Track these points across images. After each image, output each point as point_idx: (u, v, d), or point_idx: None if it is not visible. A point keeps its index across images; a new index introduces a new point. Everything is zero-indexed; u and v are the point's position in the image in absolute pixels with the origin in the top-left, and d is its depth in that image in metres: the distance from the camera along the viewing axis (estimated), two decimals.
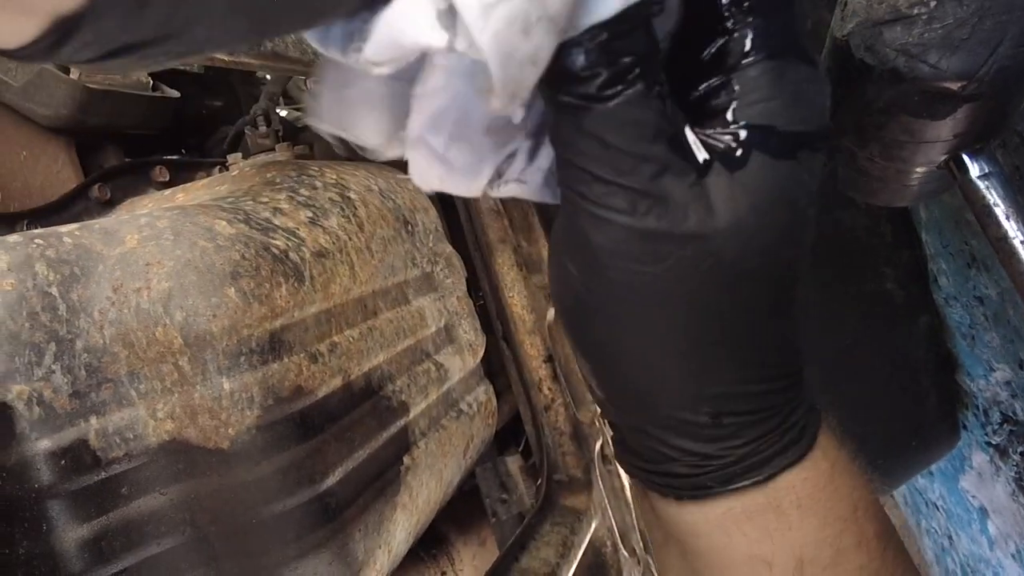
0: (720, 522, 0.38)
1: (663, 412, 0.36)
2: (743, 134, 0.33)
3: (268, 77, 1.41)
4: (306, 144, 1.25)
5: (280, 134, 1.14)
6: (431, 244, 0.98)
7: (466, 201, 1.21)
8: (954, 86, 0.51)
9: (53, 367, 0.52)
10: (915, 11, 0.51)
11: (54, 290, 0.54)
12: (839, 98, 0.59)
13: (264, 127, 1.02)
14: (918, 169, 0.59)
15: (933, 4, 0.50)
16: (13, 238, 0.55)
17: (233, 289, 0.59)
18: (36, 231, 0.58)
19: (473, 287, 1.14)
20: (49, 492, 0.50)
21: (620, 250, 0.33)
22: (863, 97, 0.55)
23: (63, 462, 0.51)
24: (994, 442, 0.94)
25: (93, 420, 0.53)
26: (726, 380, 0.36)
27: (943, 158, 0.57)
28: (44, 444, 0.51)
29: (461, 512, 0.94)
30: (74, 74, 0.94)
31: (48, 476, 0.51)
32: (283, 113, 1.74)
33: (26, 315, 0.52)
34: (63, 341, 0.53)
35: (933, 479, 1.17)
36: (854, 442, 0.82)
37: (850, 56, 0.54)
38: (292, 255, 0.67)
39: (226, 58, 0.76)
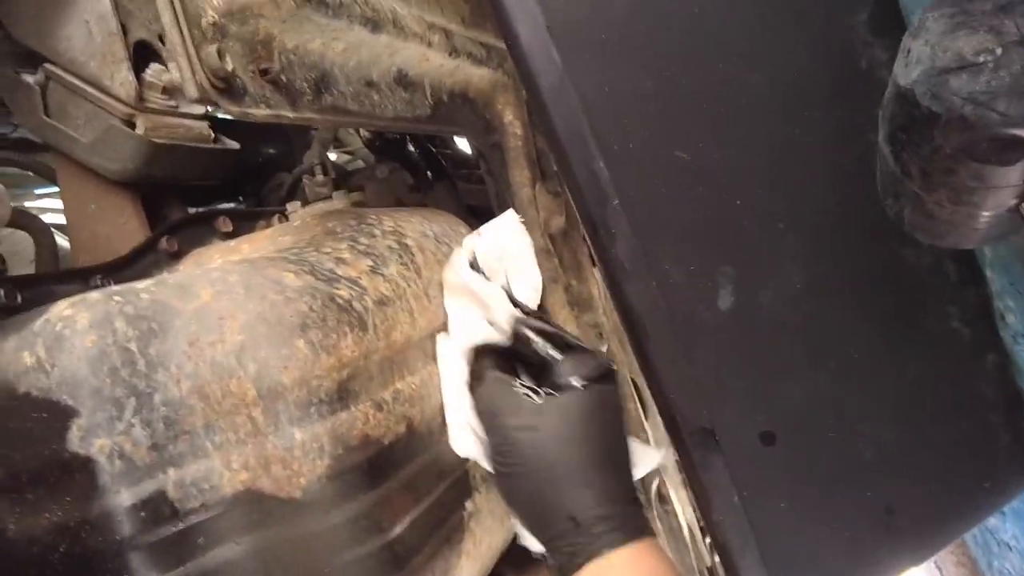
0: None
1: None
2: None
3: (319, 125, 1.45)
4: (358, 189, 1.28)
5: (334, 180, 1.17)
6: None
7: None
8: (1023, 132, 0.50)
9: (133, 421, 0.54)
10: (981, 59, 0.51)
11: (133, 345, 0.55)
12: (904, 144, 0.59)
13: (321, 176, 1.04)
14: (987, 213, 0.58)
15: (999, 52, 0.50)
16: (94, 296, 0.57)
17: (302, 340, 0.61)
18: (114, 288, 0.60)
19: None
20: (130, 544, 0.52)
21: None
22: (930, 144, 0.55)
23: (143, 514, 0.52)
24: None
25: (171, 472, 0.54)
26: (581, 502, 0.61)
27: (1014, 202, 0.56)
28: (125, 497, 0.52)
29: (517, 553, 0.94)
30: (140, 129, 0.98)
31: (129, 528, 0.52)
32: (333, 157, 1.78)
33: (107, 371, 0.54)
34: (142, 395, 0.54)
35: (1005, 519, 1.13)
36: (924, 483, 0.81)
37: (916, 104, 0.54)
38: (356, 304, 0.68)
39: (290, 114, 0.78)
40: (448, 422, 0.69)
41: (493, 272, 0.77)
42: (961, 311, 0.88)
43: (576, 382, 0.64)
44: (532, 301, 0.78)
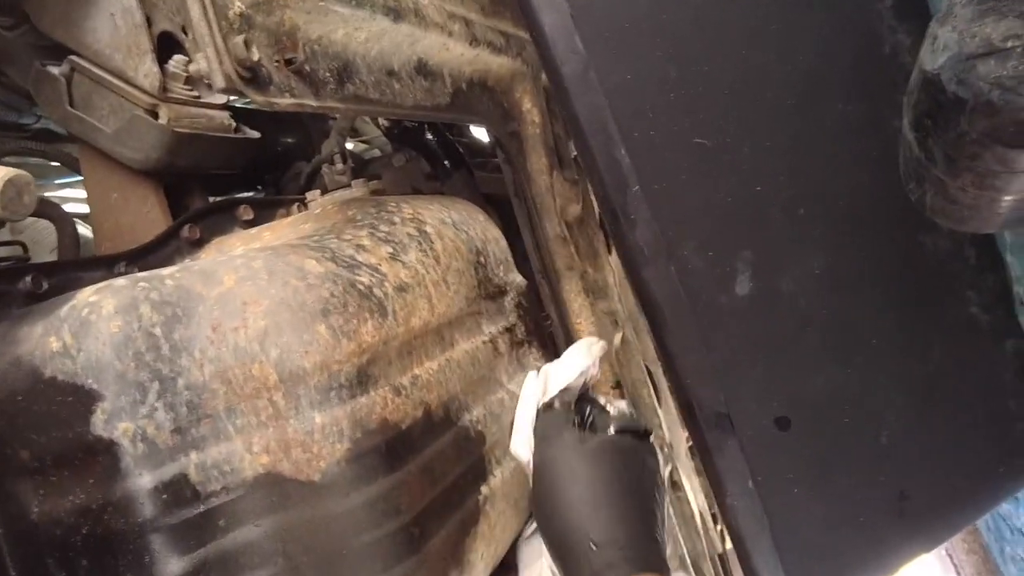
0: None
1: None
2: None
3: (338, 114, 1.45)
4: (375, 176, 1.28)
5: (353, 168, 1.17)
6: (502, 274, 0.99)
7: (533, 229, 1.22)
8: None
9: (156, 404, 0.54)
10: (1009, 44, 0.51)
11: (158, 330, 0.56)
12: (929, 129, 0.58)
13: (340, 164, 1.05)
14: (1010, 197, 0.58)
15: None
16: (119, 282, 0.58)
17: (324, 326, 0.61)
18: (140, 274, 0.61)
19: (541, 315, 1.15)
20: (152, 525, 0.53)
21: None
22: (956, 129, 0.55)
23: (165, 496, 0.53)
24: None
25: (193, 455, 0.55)
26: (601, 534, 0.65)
27: None
28: (147, 479, 0.53)
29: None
30: (163, 119, 0.99)
31: (151, 510, 0.53)
32: (351, 146, 1.79)
33: (132, 355, 0.55)
34: (166, 379, 0.55)
35: (1019, 505, 1.12)
36: (938, 469, 0.80)
37: (942, 89, 0.54)
38: (376, 291, 0.69)
39: (314, 103, 0.78)
40: (514, 429, 0.76)
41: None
42: (980, 297, 0.87)
43: (613, 430, 0.73)
44: None
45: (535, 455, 0.73)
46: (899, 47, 0.86)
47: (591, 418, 0.75)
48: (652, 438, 0.77)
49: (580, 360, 0.79)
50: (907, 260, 0.85)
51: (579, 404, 0.78)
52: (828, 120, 0.84)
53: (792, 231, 0.81)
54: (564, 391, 0.78)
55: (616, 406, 0.77)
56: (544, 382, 0.78)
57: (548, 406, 0.76)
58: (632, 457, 0.72)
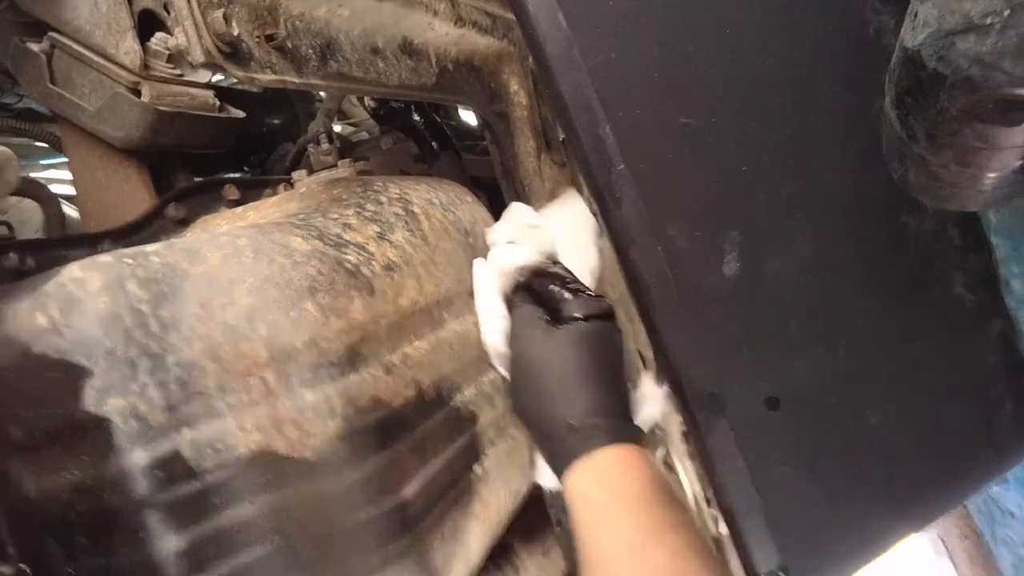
0: (572, 485, 0.69)
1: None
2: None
3: (324, 94, 1.45)
4: (363, 158, 1.28)
5: (339, 149, 1.17)
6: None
7: None
8: None
9: (147, 381, 0.54)
10: (988, 20, 0.51)
11: (145, 307, 0.56)
12: (909, 106, 0.59)
13: (326, 144, 1.04)
14: (992, 175, 0.59)
15: (1007, 13, 0.50)
16: (104, 258, 0.58)
17: (311, 303, 0.61)
18: (125, 251, 0.60)
19: None
20: (147, 502, 0.52)
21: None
22: (936, 105, 0.55)
23: (158, 473, 0.53)
24: None
25: (186, 432, 0.55)
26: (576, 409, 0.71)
27: (1018, 163, 0.57)
28: (140, 456, 0.53)
29: (525, 521, 0.95)
30: (145, 97, 0.98)
31: (145, 487, 0.52)
32: (338, 128, 1.78)
33: (120, 332, 0.54)
34: (155, 356, 0.55)
35: (1008, 487, 1.14)
36: (927, 449, 0.81)
37: (922, 66, 0.54)
38: (364, 269, 0.69)
39: (296, 80, 0.78)
40: (482, 330, 0.84)
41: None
42: (966, 277, 0.89)
43: (580, 315, 0.77)
44: (583, 278, 0.88)
45: (511, 351, 0.79)
46: (883, 28, 0.86)
47: (559, 307, 0.79)
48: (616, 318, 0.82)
49: (518, 246, 0.85)
50: (892, 241, 0.86)
51: (543, 292, 0.82)
52: (813, 101, 0.84)
53: (778, 212, 0.81)
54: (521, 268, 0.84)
55: (578, 290, 0.81)
56: (496, 271, 0.84)
57: (512, 303, 0.83)
58: (600, 340, 0.77)
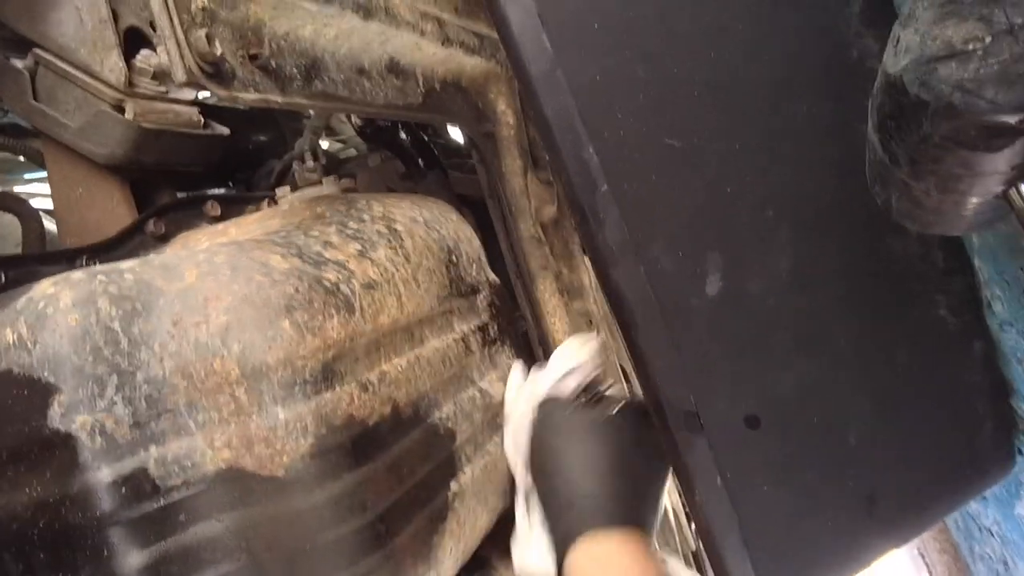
0: (574, 563, 0.68)
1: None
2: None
3: (311, 112, 1.45)
4: (349, 176, 1.27)
5: (324, 166, 1.17)
6: (474, 273, 0.99)
7: (507, 230, 1.22)
8: (1012, 119, 0.50)
9: (115, 398, 0.54)
10: (970, 47, 0.51)
11: (116, 324, 0.55)
12: (892, 132, 0.59)
13: (311, 161, 1.04)
14: (974, 200, 0.59)
15: (988, 40, 0.50)
16: (77, 275, 0.57)
17: (288, 322, 0.61)
18: (99, 267, 0.60)
19: (515, 314, 1.15)
20: (110, 519, 0.52)
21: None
22: (919, 131, 0.55)
23: (124, 490, 0.52)
24: None
25: (153, 449, 0.54)
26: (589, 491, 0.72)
27: (1000, 189, 0.57)
28: (105, 473, 0.52)
29: (502, 535, 0.94)
30: (129, 114, 0.97)
31: (109, 504, 0.52)
32: (325, 145, 1.78)
33: (89, 349, 0.54)
34: (124, 373, 0.54)
35: (987, 504, 1.14)
36: (907, 468, 0.80)
37: (904, 92, 0.55)
38: (343, 287, 0.68)
39: (279, 99, 0.78)
40: (509, 427, 0.83)
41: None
42: (948, 299, 0.88)
43: (616, 409, 0.77)
44: None
45: (536, 425, 0.79)
46: (867, 52, 0.87)
47: (595, 399, 0.81)
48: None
49: (574, 359, 0.83)
50: (876, 262, 0.86)
51: (582, 392, 0.83)
52: (797, 123, 0.84)
53: (761, 232, 0.81)
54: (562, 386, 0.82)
55: (618, 390, 0.83)
56: (539, 382, 0.83)
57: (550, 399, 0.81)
58: (632, 431, 0.77)
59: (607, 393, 0.83)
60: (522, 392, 0.84)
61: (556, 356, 0.85)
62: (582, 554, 0.68)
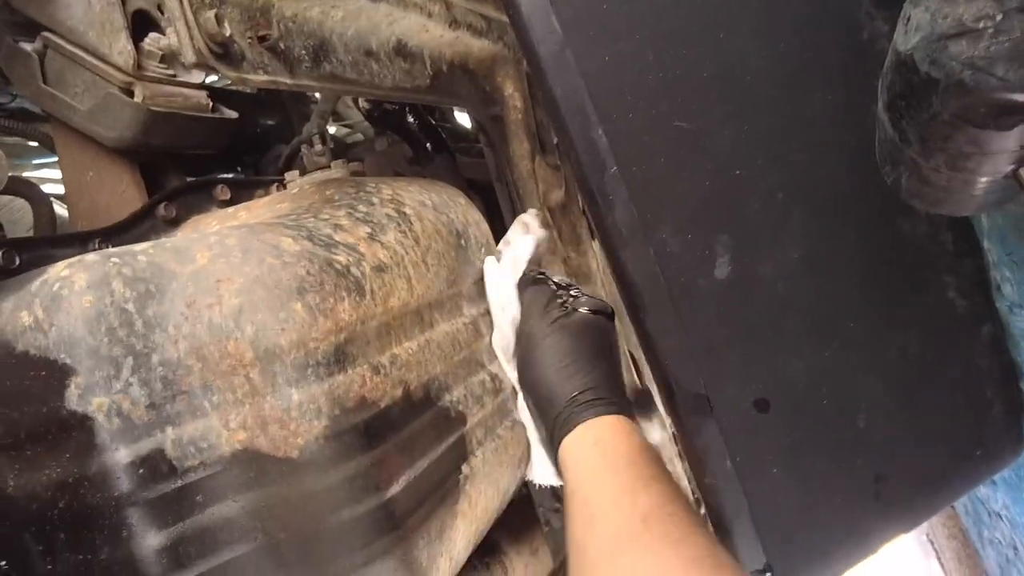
0: (569, 446, 0.77)
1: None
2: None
3: (319, 96, 1.44)
4: (358, 160, 1.27)
5: (332, 150, 1.17)
6: (483, 256, 0.99)
7: (515, 214, 1.22)
8: (1022, 98, 0.50)
9: (131, 380, 0.54)
10: (981, 24, 0.51)
11: (131, 306, 0.55)
12: (902, 110, 0.59)
13: (320, 145, 1.04)
14: (984, 179, 0.58)
15: (999, 17, 0.50)
16: (91, 257, 0.57)
17: (300, 304, 0.61)
18: (112, 250, 0.60)
19: None
20: (129, 500, 0.52)
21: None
22: (928, 109, 0.55)
23: (141, 471, 0.53)
24: None
25: (169, 430, 0.54)
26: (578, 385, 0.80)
27: (1010, 168, 0.56)
28: (123, 454, 0.52)
29: (513, 521, 0.95)
30: (138, 97, 0.97)
31: (127, 485, 0.52)
32: (332, 130, 1.78)
33: (104, 331, 0.54)
34: (140, 355, 0.55)
35: (996, 488, 1.14)
36: (915, 452, 0.81)
37: (915, 70, 0.54)
38: (353, 270, 0.68)
39: (288, 81, 0.78)
40: (495, 319, 0.91)
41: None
42: (958, 282, 0.88)
43: (585, 309, 0.86)
44: None
45: (521, 324, 0.89)
46: (877, 34, 0.86)
47: (566, 302, 0.88)
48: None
49: (528, 239, 0.95)
50: (885, 245, 0.86)
51: (556, 287, 0.92)
52: (807, 106, 0.84)
53: (771, 216, 0.81)
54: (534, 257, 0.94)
55: (582, 292, 0.91)
56: (511, 264, 0.93)
57: (529, 281, 0.92)
58: (602, 331, 0.86)
59: (572, 294, 0.90)
60: (499, 287, 0.92)
61: (512, 245, 0.96)
62: (583, 437, 0.76)
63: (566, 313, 0.85)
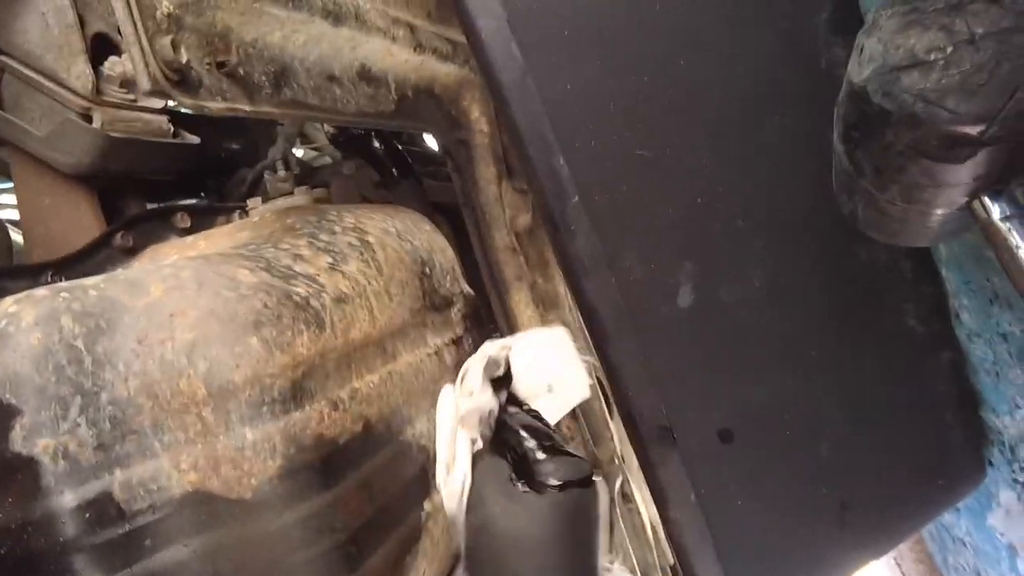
0: None
1: None
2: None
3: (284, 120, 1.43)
4: (323, 184, 1.26)
5: (297, 175, 1.16)
6: (448, 284, 0.98)
7: (482, 239, 1.21)
8: (973, 130, 0.51)
9: (78, 420, 0.52)
10: (932, 57, 0.52)
11: (80, 343, 0.54)
12: (857, 141, 0.59)
13: (283, 171, 1.03)
14: (939, 211, 0.59)
15: (950, 50, 0.51)
16: (40, 292, 0.56)
17: (256, 338, 0.60)
18: (62, 284, 0.59)
19: (490, 325, 1.14)
20: (74, 545, 0.51)
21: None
22: (882, 141, 0.56)
23: (88, 515, 0.51)
24: (1021, 480, 0.93)
25: (117, 472, 0.53)
26: None
27: (964, 200, 0.57)
28: (69, 498, 0.51)
29: None
30: (96, 123, 0.96)
31: (73, 529, 0.51)
32: (300, 153, 1.77)
33: (52, 369, 0.53)
34: (88, 394, 0.53)
35: (960, 515, 1.15)
36: (879, 480, 0.81)
37: (868, 101, 0.55)
38: (313, 302, 0.67)
39: (247, 108, 0.77)
40: (438, 480, 0.74)
41: (532, 386, 0.80)
42: (917, 309, 0.89)
43: (553, 482, 0.68)
44: (570, 403, 0.82)
45: (469, 514, 0.69)
46: (835, 60, 0.87)
47: (531, 467, 0.70)
48: (596, 477, 0.72)
49: (487, 393, 0.76)
50: (845, 273, 0.86)
51: (512, 443, 0.73)
52: (767, 133, 0.85)
53: (733, 243, 0.81)
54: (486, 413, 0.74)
55: (554, 447, 0.72)
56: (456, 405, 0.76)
57: (479, 454, 0.71)
58: (575, 512, 0.68)
59: (544, 447, 0.72)
60: (446, 415, 0.77)
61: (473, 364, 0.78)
62: None
63: (526, 487, 0.68)
